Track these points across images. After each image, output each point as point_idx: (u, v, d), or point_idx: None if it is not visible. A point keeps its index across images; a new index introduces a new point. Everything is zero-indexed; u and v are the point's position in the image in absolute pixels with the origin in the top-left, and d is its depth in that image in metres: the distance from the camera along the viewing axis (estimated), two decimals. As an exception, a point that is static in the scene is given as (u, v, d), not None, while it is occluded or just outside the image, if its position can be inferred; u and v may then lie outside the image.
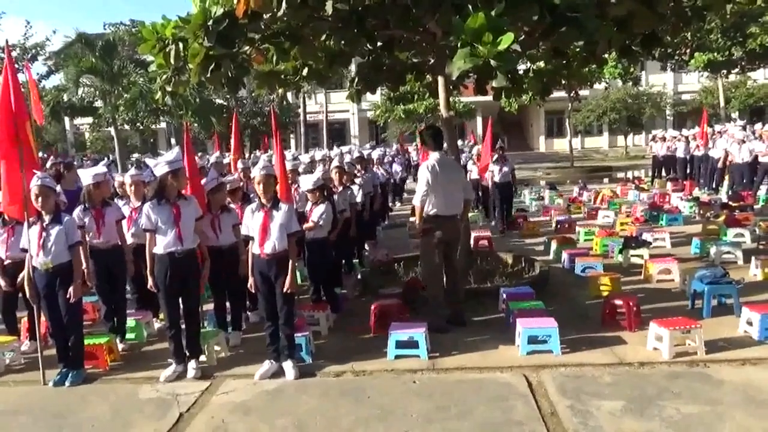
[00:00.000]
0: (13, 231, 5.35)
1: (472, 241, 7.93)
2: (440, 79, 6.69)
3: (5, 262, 5.37)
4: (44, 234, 4.61)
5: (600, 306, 5.61)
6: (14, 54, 20.70)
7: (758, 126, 14.98)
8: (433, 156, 5.47)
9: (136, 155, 21.88)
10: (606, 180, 20.37)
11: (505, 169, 10.54)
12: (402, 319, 5.42)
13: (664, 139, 18.22)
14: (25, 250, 4.73)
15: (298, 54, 6.14)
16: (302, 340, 4.88)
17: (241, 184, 6.66)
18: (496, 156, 10.71)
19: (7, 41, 6.29)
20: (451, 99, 6.98)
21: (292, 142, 35.52)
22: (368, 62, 7.14)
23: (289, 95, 28.79)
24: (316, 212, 5.86)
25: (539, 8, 4.73)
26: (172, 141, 31.54)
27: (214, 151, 11.27)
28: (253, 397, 4.31)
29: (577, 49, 6.63)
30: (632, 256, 7.71)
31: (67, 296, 4.63)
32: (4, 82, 4.69)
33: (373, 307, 5.59)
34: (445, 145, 5.96)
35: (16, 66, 5.10)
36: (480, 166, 11.31)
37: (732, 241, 8.32)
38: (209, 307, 5.77)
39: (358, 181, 8.08)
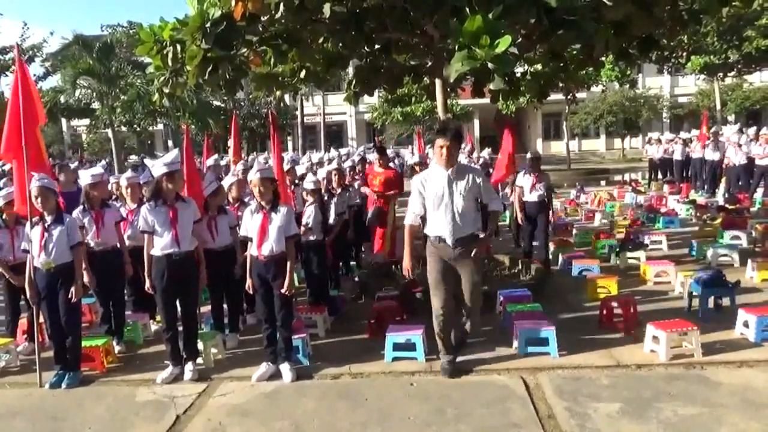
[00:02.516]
0: (17, 233, 5.37)
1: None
2: (438, 82, 6.70)
3: (10, 264, 5.39)
4: (46, 234, 4.62)
5: (597, 308, 5.62)
6: (10, 56, 20.68)
7: (752, 129, 15.01)
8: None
9: (133, 157, 21.86)
10: (603, 182, 20.38)
11: (540, 186, 7.71)
12: (399, 322, 5.43)
13: (660, 141, 18.27)
14: (26, 251, 4.73)
15: (296, 56, 6.14)
16: (300, 343, 4.88)
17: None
18: (524, 169, 8.12)
19: (17, 43, 6.30)
20: (448, 101, 6.98)
21: (290, 144, 35.53)
22: (366, 65, 7.14)
23: (287, 97, 28.77)
24: (305, 216, 5.85)
25: (537, 11, 4.75)
26: (170, 143, 31.49)
27: (207, 153, 11.22)
28: (251, 399, 4.30)
29: (574, 52, 6.64)
30: (629, 258, 7.73)
31: (69, 296, 4.63)
32: (15, 84, 4.73)
33: (370, 310, 5.59)
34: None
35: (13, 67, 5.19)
36: (495, 177, 9.30)
37: (728, 243, 8.35)
38: (207, 309, 5.77)
39: (356, 183, 8.09)
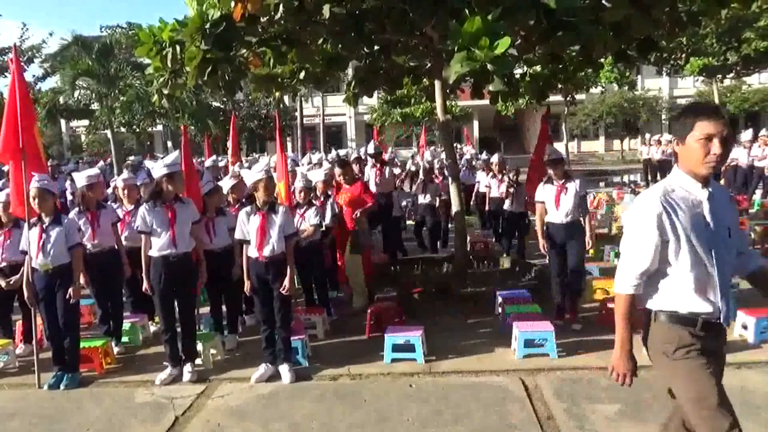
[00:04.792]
0: (9, 234, 5.35)
1: (468, 245, 7.93)
2: (437, 83, 6.70)
3: (1, 265, 5.35)
4: (44, 236, 4.62)
5: (596, 309, 5.62)
6: (9, 56, 20.66)
7: (746, 133, 15.02)
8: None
9: (131, 158, 21.82)
10: (602, 184, 20.41)
11: (569, 199, 5.48)
12: (398, 323, 5.43)
13: (659, 142, 18.28)
14: (24, 252, 4.73)
15: (296, 57, 6.14)
16: (298, 344, 4.87)
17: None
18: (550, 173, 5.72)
19: (15, 44, 6.26)
20: (447, 103, 6.98)
21: (289, 145, 35.54)
22: (365, 66, 7.15)
23: (286, 98, 28.80)
24: (310, 215, 5.83)
25: (536, 13, 4.75)
26: (169, 144, 31.49)
27: (206, 155, 11.22)
28: (249, 400, 4.30)
29: (574, 54, 6.65)
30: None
31: (67, 297, 4.62)
32: (11, 85, 4.72)
33: (369, 311, 5.58)
34: (442, 150, 5.75)
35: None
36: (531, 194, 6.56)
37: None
38: (205, 310, 5.76)
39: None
